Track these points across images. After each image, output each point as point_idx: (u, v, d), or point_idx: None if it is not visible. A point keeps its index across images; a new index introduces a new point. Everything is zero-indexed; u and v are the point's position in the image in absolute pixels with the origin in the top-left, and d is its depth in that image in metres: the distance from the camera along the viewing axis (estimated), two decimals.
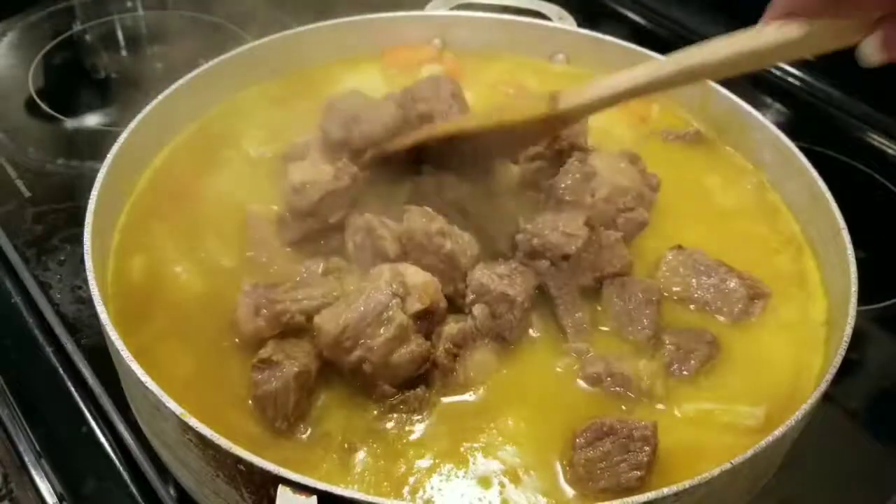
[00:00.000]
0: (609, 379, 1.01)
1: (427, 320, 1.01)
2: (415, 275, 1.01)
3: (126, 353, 0.91)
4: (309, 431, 0.96)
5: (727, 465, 0.83)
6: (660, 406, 1.00)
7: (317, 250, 1.15)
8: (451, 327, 1.02)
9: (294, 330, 1.01)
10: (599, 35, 1.53)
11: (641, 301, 1.07)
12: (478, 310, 1.04)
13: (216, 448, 0.83)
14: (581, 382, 1.02)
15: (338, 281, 1.08)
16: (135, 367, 0.89)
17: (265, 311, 1.01)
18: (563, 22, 1.57)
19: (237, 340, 1.03)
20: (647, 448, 0.91)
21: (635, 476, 0.90)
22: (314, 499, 0.78)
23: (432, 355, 0.99)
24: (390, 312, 0.96)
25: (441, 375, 1.00)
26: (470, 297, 1.05)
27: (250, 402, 0.97)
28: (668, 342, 1.05)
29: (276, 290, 1.04)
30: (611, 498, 0.80)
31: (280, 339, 1.00)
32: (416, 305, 0.98)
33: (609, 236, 1.11)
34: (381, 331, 0.96)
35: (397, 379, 0.98)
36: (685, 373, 1.03)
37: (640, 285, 1.09)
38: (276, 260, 1.14)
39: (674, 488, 0.81)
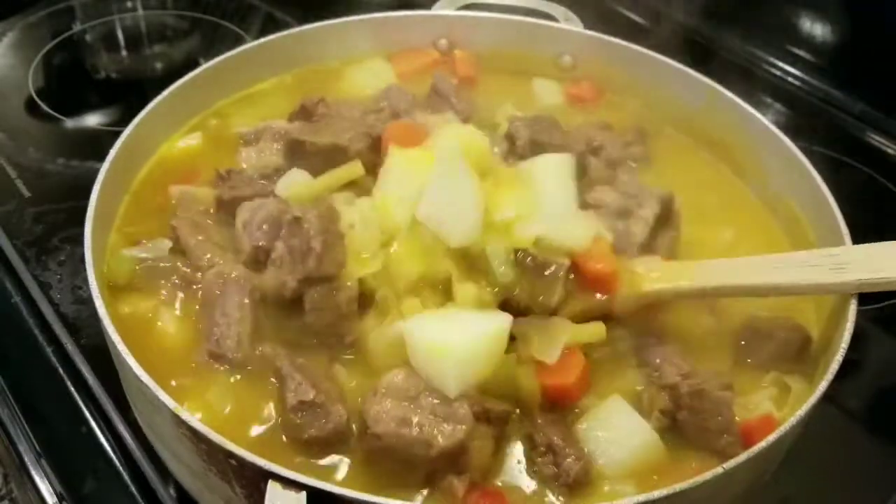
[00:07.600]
0: None
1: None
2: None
3: (122, 347, 0.91)
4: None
5: (719, 470, 0.83)
6: None
7: None
8: None
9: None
10: (606, 37, 1.53)
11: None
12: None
13: (208, 442, 0.83)
14: None
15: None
16: (131, 361, 0.90)
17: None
18: (570, 23, 1.56)
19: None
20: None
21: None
22: (303, 495, 0.78)
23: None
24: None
25: None
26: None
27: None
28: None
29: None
30: None
31: (286, 357, 0.98)
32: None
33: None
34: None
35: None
36: None
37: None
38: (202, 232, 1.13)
39: (663, 491, 0.80)
